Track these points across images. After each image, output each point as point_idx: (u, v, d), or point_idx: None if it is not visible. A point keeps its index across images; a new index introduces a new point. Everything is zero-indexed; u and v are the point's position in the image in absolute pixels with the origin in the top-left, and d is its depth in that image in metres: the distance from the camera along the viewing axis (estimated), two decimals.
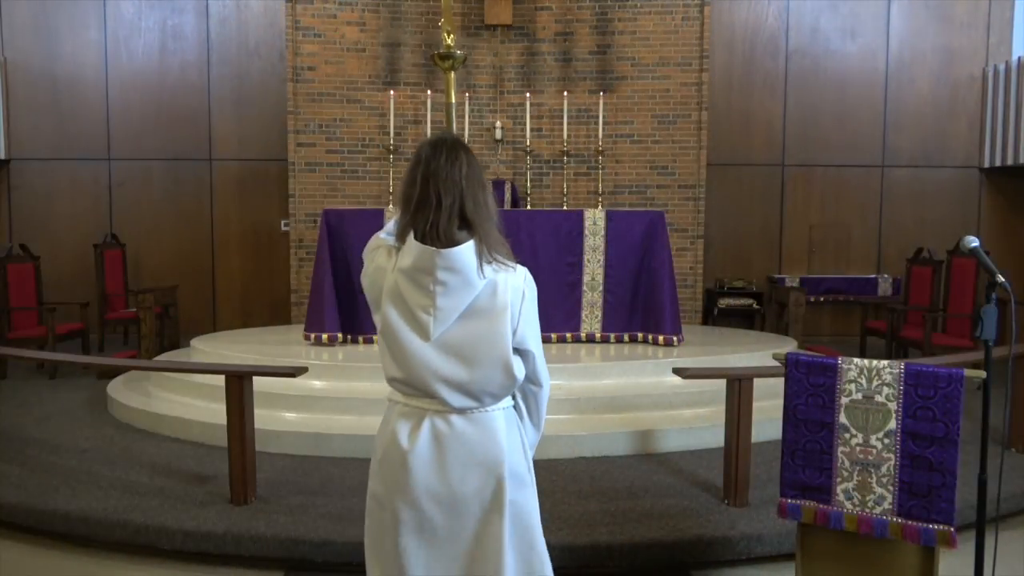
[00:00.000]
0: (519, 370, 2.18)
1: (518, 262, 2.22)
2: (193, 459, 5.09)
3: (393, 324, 2.14)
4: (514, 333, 2.15)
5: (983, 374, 2.86)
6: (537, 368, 2.25)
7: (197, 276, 9.95)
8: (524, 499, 2.24)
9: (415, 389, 2.17)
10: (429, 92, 8.30)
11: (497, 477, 2.17)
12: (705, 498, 4.43)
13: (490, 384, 2.16)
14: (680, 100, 8.90)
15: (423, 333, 2.12)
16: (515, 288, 2.16)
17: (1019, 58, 9.25)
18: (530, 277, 2.22)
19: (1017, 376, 5.12)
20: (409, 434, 2.17)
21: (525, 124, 8.30)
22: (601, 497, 4.41)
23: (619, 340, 6.86)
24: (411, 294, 2.12)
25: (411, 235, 2.13)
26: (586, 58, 8.91)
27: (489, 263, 2.12)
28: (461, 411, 2.17)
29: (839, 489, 2.95)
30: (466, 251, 2.09)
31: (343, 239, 6.78)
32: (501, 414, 2.21)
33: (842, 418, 2.94)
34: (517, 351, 2.18)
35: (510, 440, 2.21)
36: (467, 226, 2.12)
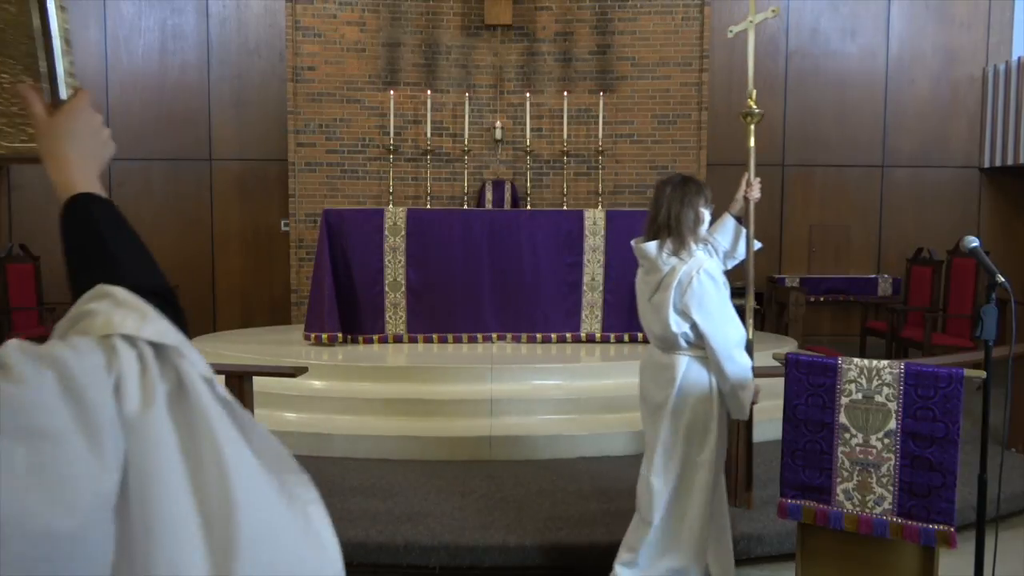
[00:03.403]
0: (676, 327, 3.16)
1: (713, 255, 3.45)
2: None
3: (637, 291, 3.38)
4: (680, 301, 3.13)
5: (983, 374, 2.86)
6: (703, 332, 3.12)
7: (197, 276, 9.94)
8: (688, 416, 3.20)
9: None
10: (429, 92, 8.30)
11: (668, 395, 3.20)
12: None
13: (661, 332, 3.23)
14: (680, 100, 8.88)
15: (643, 297, 3.31)
16: (684, 272, 3.15)
17: (1019, 58, 9.25)
18: (708, 267, 3.17)
19: (1017, 376, 5.13)
20: (643, 358, 3.44)
21: (525, 124, 8.29)
22: (601, 497, 4.41)
23: (619, 340, 6.85)
24: (641, 272, 3.35)
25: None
26: (586, 58, 8.90)
27: (671, 255, 3.17)
28: (662, 350, 3.28)
29: (839, 489, 2.95)
30: (650, 245, 3.21)
31: (343, 239, 6.78)
32: (685, 359, 3.21)
33: (842, 418, 2.94)
34: (685, 315, 3.14)
35: (686, 378, 3.20)
36: (662, 230, 3.19)
